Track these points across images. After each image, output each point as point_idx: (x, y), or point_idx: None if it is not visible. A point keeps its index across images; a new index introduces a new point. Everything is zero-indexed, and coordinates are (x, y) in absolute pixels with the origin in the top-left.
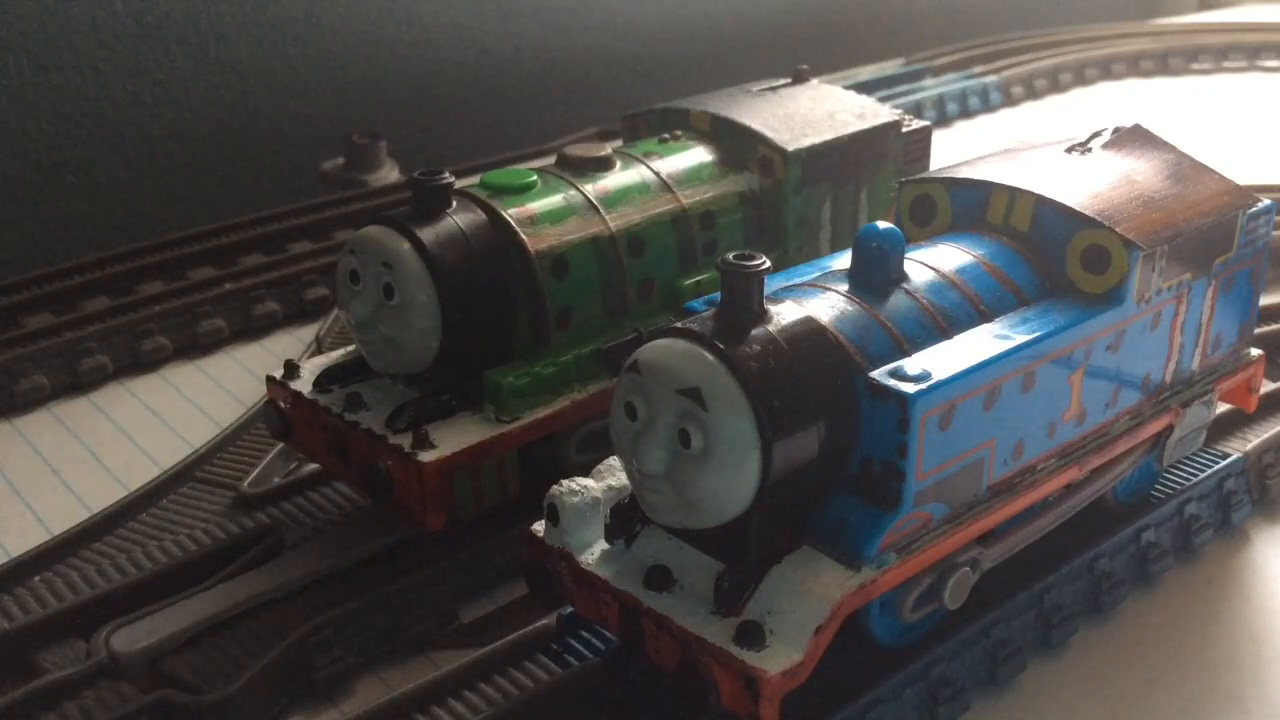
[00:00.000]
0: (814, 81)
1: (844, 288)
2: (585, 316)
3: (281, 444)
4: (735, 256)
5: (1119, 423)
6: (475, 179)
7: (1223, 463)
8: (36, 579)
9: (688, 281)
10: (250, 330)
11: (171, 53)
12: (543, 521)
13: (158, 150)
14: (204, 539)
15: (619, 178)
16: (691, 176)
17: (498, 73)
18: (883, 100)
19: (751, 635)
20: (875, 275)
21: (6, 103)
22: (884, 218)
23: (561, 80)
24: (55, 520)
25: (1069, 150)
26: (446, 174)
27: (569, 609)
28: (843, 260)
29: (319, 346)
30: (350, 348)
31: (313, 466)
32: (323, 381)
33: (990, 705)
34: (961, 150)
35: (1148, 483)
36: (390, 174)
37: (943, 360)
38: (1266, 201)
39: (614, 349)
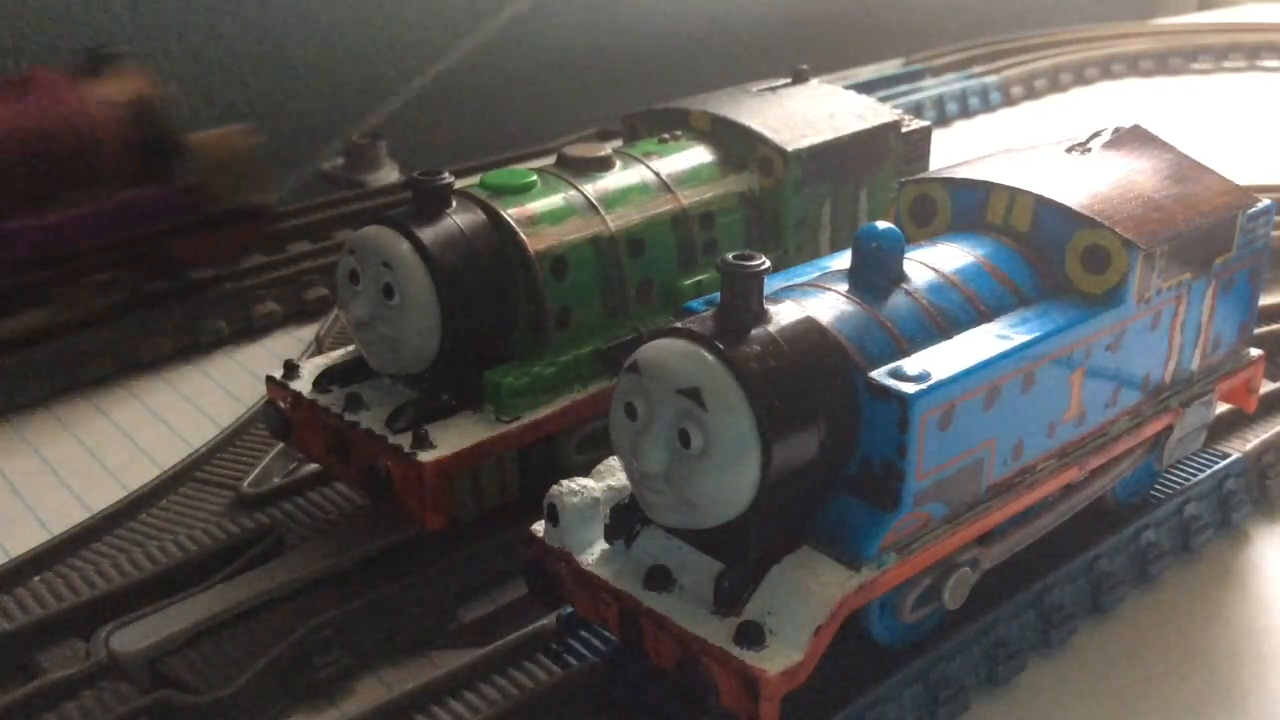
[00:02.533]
0: (814, 81)
1: (844, 288)
2: (585, 316)
3: (281, 444)
4: (735, 256)
5: (1119, 423)
6: (475, 179)
7: (1223, 463)
8: (36, 579)
9: (688, 281)
10: (250, 330)
11: (171, 53)
12: (543, 521)
13: None
14: (204, 539)
15: (619, 178)
16: (691, 176)
17: (498, 73)
18: (883, 100)
19: (751, 635)
20: (875, 275)
21: None
22: (884, 218)
23: (561, 80)
24: (55, 520)
25: (1069, 150)
26: (446, 174)
27: (569, 609)
28: (842, 260)
29: (319, 346)
30: (350, 348)
31: (313, 466)
32: (323, 381)
33: (990, 705)
34: (961, 150)
35: (1148, 483)
36: (390, 174)
37: (942, 360)
38: (1266, 201)
39: (614, 349)
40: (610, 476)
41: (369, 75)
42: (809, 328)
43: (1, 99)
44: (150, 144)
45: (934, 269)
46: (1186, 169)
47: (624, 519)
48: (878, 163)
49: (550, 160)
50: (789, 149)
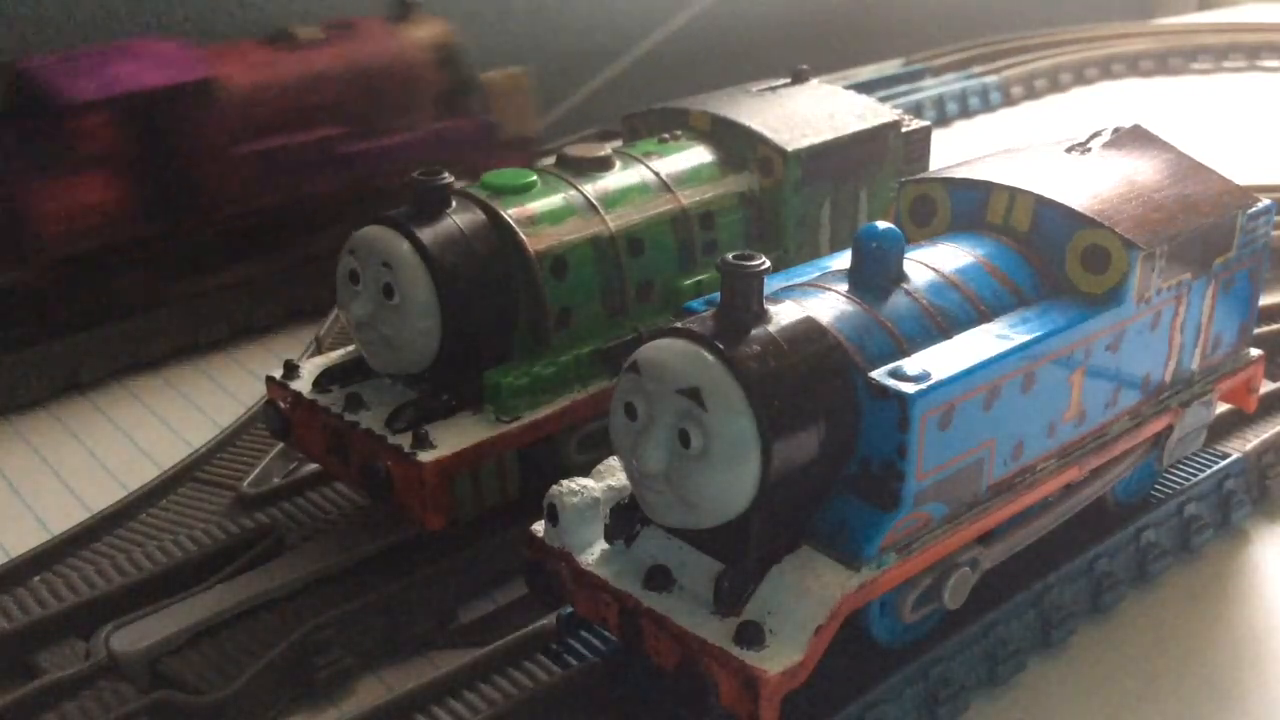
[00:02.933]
0: (814, 81)
1: (844, 288)
2: (585, 316)
3: (281, 444)
4: (735, 256)
5: (1119, 423)
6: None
7: (1223, 463)
8: (36, 579)
9: (687, 281)
10: (250, 330)
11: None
12: (543, 521)
13: None
14: (204, 539)
15: (619, 178)
16: (691, 176)
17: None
18: (883, 100)
19: (751, 635)
20: (875, 275)
21: None
22: (884, 218)
23: (563, 79)
24: (55, 520)
25: (1069, 150)
26: (446, 174)
27: (569, 609)
28: (842, 260)
29: (319, 346)
30: (350, 348)
31: (313, 466)
32: (323, 381)
33: (990, 705)
34: (961, 150)
35: (1148, 483)
36: None
37: (942, 360)
38: (1266, 201)
39: (614, 349)
40: (610, 476)
41: (611, 31)
42: (809, 328)
43: (336, 40)
44: (451, 82)
45: (934, 269)
46: (1186, 169)
47: (624, 519)
48: (878, 163)
49: (550, 160)
50: (789, 149)
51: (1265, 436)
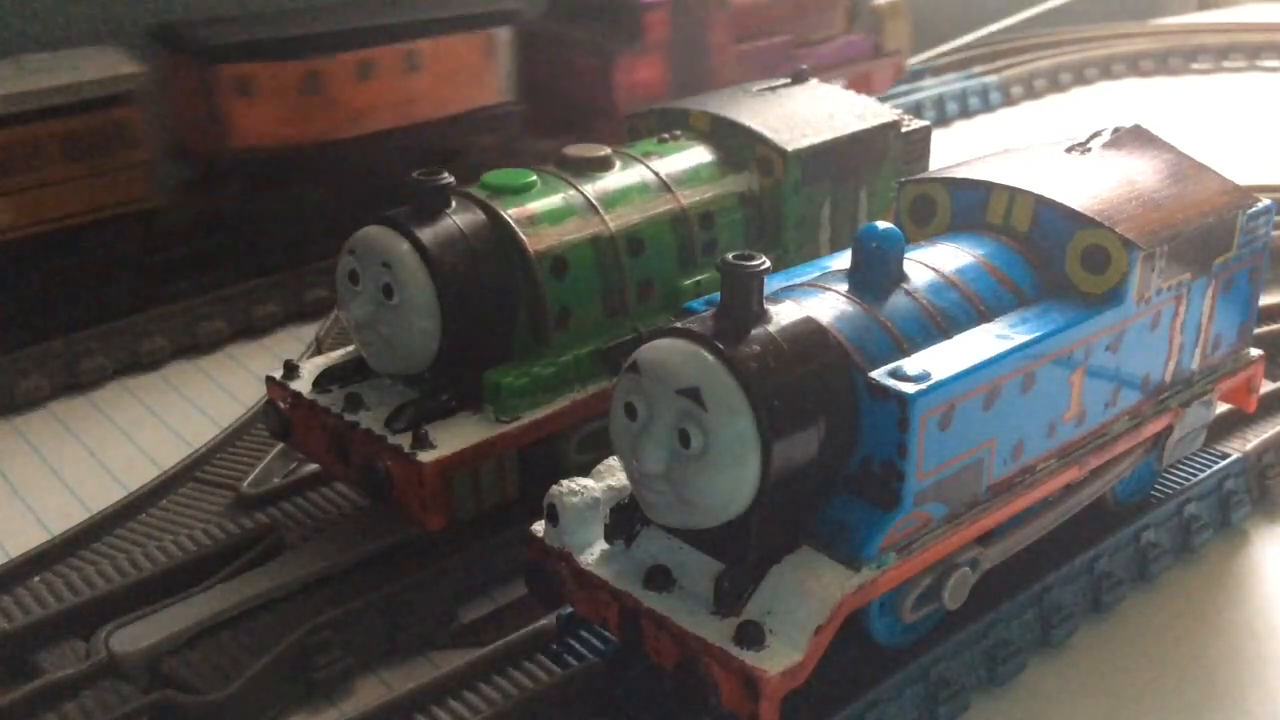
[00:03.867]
0: (814, 81)
1: (844, 288)
2: (585, 316)
3: (281, 444)
4: (735, 256)
5: (1119, 423)
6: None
7: (1223, 463)
8: (36, 579)
9: (687, 281)
10: (250, 330)
11: None
12: (543, 521)
13: None
14: (204, 539)
15: (618, 178)
16: (691, 176)
17: None
18: (883, 100)
19: (751, 635)
20: (875, 275)
21: None
22: (884, 218)
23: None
24: (55, 520)
25: (1069, 150)
26: (445, 174)
27: (569, 609)
28: (843, 260)
29: (319, 346)
30: (350, 348)
31: (313, 466)
32: (322, 381)
33: (990, 705)
34: (961, 150)
35: (1148, 483)
36: None
37: (942, 360)
38: (1266, 201)
39: (614, 349)
40: (610, 476)
41: None
42: (809, 328)
43: None
44: (853, 5)
45: (934, 269)
46: (1186, 169)
47: (624, 519)
48: (877, 163)
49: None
50: (789, 149)
51: (1265, 436)
